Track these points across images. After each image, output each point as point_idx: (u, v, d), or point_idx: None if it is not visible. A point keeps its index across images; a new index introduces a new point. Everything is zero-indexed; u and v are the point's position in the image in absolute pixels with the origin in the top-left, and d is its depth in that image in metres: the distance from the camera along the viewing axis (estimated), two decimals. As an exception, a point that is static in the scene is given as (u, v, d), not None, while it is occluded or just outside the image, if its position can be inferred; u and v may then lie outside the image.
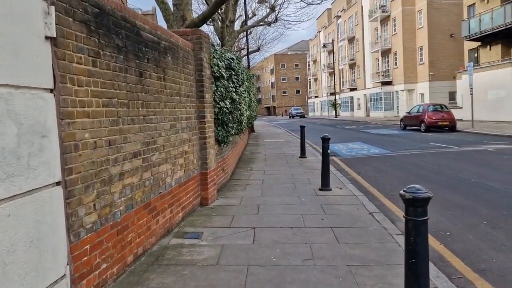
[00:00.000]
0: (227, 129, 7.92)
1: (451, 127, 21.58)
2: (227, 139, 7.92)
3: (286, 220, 5.59)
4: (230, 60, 8.39)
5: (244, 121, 10.84)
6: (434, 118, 21.49)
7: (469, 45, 29.74)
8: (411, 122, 23.62)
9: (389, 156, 12.70)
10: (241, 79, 9.70)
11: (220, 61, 7.52)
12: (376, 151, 14.35)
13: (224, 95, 7.73)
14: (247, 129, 17.23)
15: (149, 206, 4.45)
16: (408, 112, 24.48)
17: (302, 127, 12.85)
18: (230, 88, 8.17)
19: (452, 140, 16.89)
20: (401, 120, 25.11)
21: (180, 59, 5.69)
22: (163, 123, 4.94)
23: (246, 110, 11.72)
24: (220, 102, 7.46)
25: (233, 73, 8.57)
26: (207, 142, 6.56)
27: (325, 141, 7.62)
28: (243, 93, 9.93)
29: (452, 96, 37.11)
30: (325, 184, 7.54)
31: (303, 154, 12.72)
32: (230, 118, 8.11)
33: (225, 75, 7.72)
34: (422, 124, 22.00)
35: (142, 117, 4.32)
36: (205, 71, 6.57)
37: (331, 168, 9.86)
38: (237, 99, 8.67)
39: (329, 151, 7.69)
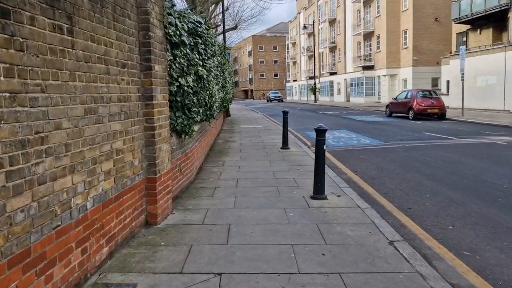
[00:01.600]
0: (190, 115, 5.93)
1: (441, 115, 20.17)
2: (190, 128, 5.92)
3: (269, 256, 3.70)
4: (196, 23, 6.34)
5: (216, 104, 8.85)
6: (423, 105, 19.99)
7: (457, 28, 28.33)
8: (398, 108, 22.08)
9: (385, 148, 10.98)
10: (212, 50, 7.66)
11: (180, 22, 5.46)
12: (367, 141, 12.63)
13: (186, 69, 5.72)
14: (220, 113, 15.22)
15: (27, 257, 2.45)
16: (395, 98, 22.92)
17: (285, 113, 10.94)
18: (195, 60, 6.15)
19: (447, 130, 15.38)
20: (387, 106, 23.56)
21: (108, 7, 3.62)
22: (66, 106, 2.91)
23: (218, 91, 9.71)
24: (179, 79, 5.44)
25: (200, 41, 6.53)
26: (156, 134, 4.56)
27: (320, 133, 5.73)
28: (213, 69, 7.89)
29: (435, 82, 35.94)
30: (318, 191, 5.69)
31: (285, 144, 10.85)
32: (195, 100, 6.11)
33: (187, 42, 5.68)
34: (410, 111, 20.47)
35: (7, 94, 2.30)
36: (154, 31, 4.52)
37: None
38: (205, 76, 6.65)
39: (325, 146, 5.81)
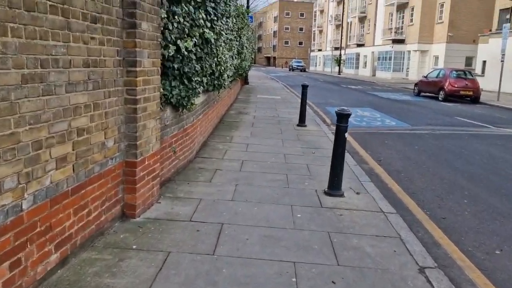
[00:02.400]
0: (191, 86, 5.03)
1: (474, 98, 18.70)
2: (189, 101, 5.03)
3: (263, 278, 2.89)
4: (205, -25, 5.33)
5: (227, 73, 7.91)
6: (456, 85, 18.50)
7: (501, 3, 26.04)
8: (428, 88, 20.62)
9: (413, 134, 9.90)
10: (223, 9, 6.64)
11: (181, -30, 4.48)
12: (392, 123, 11.55)
13: (188, 30, 4.78)
14: (237, 81, 14.25)
15: None
16: (425, 76, 21.39)
17: (305, 87, 9.90)
18: (201, 20, 5.19)
19: (482, 115, 14.08)
20: (416, 84, 22.07)
21: None
22: (-14, 71, 2.07)
23: (232, 57, 8.75)
24: (178, 42, 4.52)
25: (208, -3, 5.54)
26: (139, 109, 3.70)
27: (343, 118, 4.76)
28: (225, 32, 6.90)
29: (468, 61, 33.79)
30: (335, 186, 4.81)
31: (302, 121, 9.91)
32: (198, 68, 5.20)
33: (190, -4, 4.72)
34: (441, 92, 19.04)
35: None
36: (141, -22, 3.58)
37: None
38: (213, 40, 5.70)
39: (346, 134, 4.85)
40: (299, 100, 15.68)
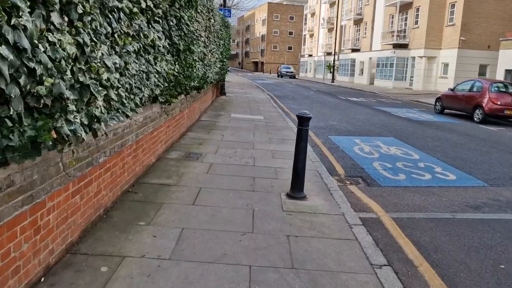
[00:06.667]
0: None
1: (522, 120, 14.11)
2: None
3: None
4: None
5: (112, 94, 2.97)
6: (499, 103, 13.86)
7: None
8: (456, 104, 15.95)
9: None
10: None
11: None
12: (450, 175, 6.73)
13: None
14: (208, 90, 9.31)
15: None
16: (452, 89, 16.69)
17: (304, 120, 4.94)
18: None
19: None
20: (438, 99, 17.35)
21: None
22: None
23: (157, 60, 3.82)
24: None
25: None
26: None
27: None
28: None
29: (482, 70, 29.43)
30: None
31: (297, 187, 4.98)
32: None
33: None
34: (478, 110, 14.38)
35: None
36: None
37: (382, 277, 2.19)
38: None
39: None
40: (291, 125, 10.77)
